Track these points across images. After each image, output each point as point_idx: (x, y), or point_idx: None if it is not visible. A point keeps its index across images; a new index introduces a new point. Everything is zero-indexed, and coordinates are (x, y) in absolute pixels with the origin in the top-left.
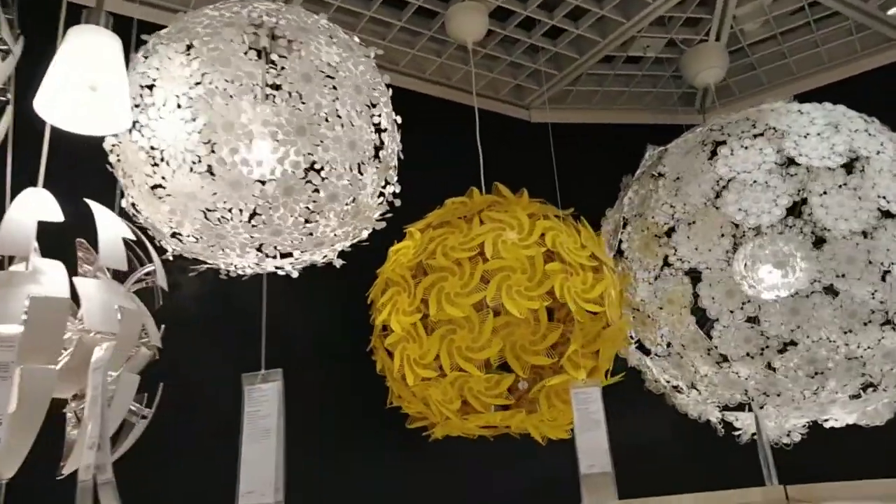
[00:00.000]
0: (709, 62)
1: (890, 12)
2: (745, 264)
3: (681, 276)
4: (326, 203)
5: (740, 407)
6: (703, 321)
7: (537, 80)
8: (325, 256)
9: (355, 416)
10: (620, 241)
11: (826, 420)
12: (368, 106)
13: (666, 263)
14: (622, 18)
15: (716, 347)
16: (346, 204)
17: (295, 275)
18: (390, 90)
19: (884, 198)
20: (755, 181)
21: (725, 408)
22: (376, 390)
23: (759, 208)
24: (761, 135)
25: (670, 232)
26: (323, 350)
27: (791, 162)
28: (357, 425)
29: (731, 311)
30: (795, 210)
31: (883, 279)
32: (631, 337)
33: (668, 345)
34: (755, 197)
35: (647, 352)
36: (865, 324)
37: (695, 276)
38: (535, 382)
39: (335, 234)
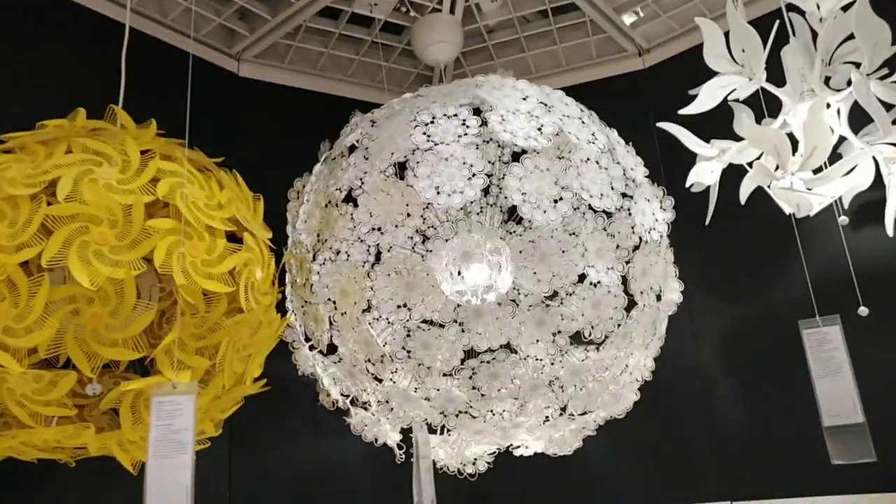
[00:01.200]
0: (440, 35)
1: (624, 17)
2: (447, 261)
3: (358, 260)
4: None
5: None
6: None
7: (250, 27)
8: None
9: None
10: (298, 217)
11: (516, 447)
12: None
13: (339, 245)
14: None
15: (388, 354)
16: None
17: None
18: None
19: (586, 190)
20: (451, 155)
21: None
22: None
23: (452, 186)
24: (471, 107)
25: (352, 206)
26: None
27: (494, 140)
28: None
29: (409, 310)
30: (489, 193)
31: (580, 280)
32: (307, 337)
33: (335, 348)
34: (449, 173)
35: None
36: (555, 335)
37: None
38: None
39: None
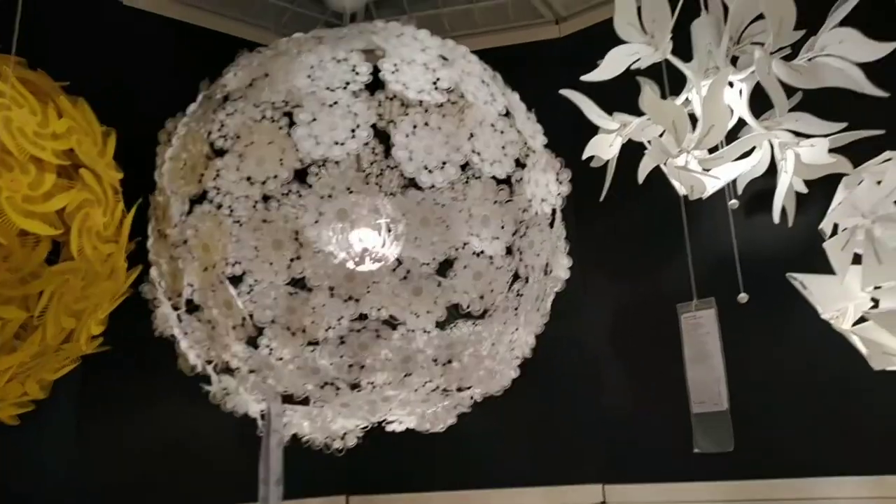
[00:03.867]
0: None
1: None
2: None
3: (219, 211)
4: None
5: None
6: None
7: None
8: None
9: None
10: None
11: (389, 422)
12: None
13: (205, 195)
14: None
15: (250, 317)
16: None
17: None
18: None
19: (478, 153)
20: (336, 102)
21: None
22: None
23: (333, 136)
24: (365, 51)
25: (221, 153)
26: None
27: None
28: None
29: (276, 271)
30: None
31: (462, 248)
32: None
33: (197, 308)
34: (332, 122)
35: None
36: (432, 305)
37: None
38: None
39: None
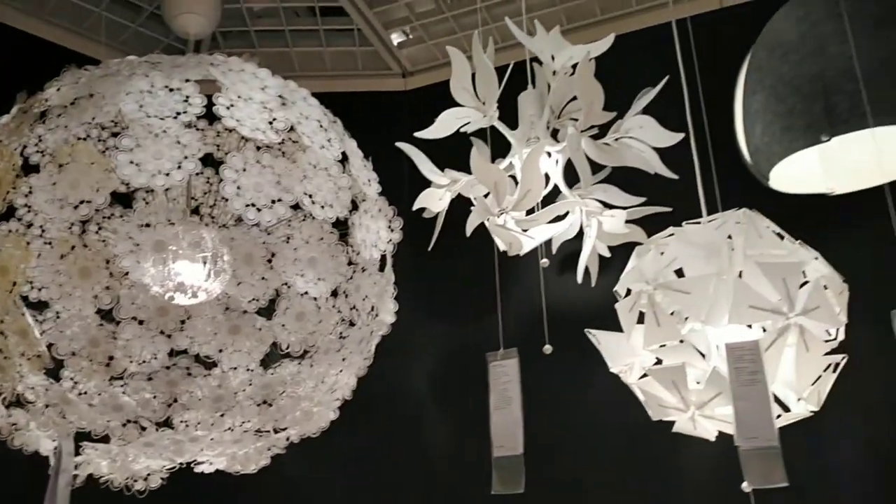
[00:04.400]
0: (191, 5)
1: (393, 35)
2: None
3: (28, 231)
4: None
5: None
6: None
7: None
8: None
9: None
10: None
11: (198, 463)
12: None
13: (11, 213)
14: None
15: (49, 347)
16: None
17: None
18: None
19: (310, 196)
20: (165, 131)
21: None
22: None
23: (157, 166)
24: (202, 82)
25: (36, 169)
26: None
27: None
28: None
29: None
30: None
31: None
32: None
33: None
34: (157, 151)
35: None
36: (251, 345)
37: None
38: None
39: None
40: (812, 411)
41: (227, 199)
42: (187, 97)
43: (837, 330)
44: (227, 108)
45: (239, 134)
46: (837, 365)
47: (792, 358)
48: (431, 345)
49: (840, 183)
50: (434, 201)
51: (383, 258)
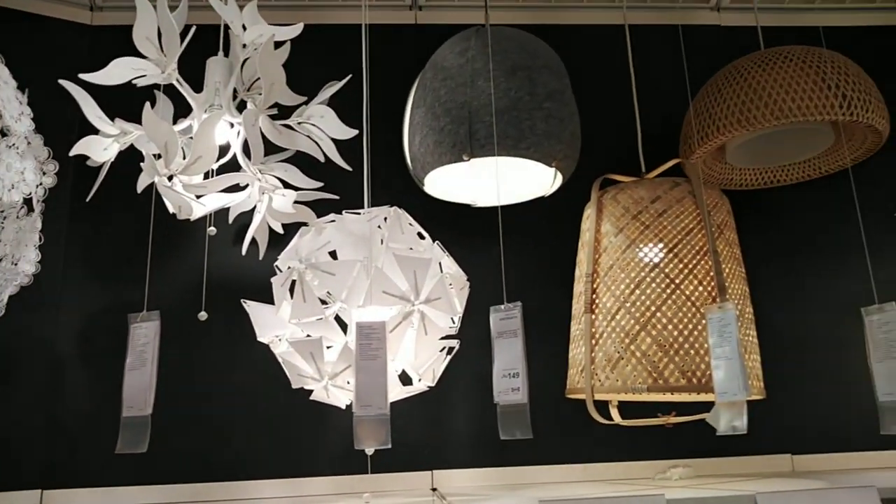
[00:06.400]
0: None
1: None
2: None
3: None
4: None
5: None
6: None
7: None
8: None
9: None
10: None
11: None
12: None
13: None
14: None
15: None
16: None
17: None
18: None
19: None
20: None
21: None
22: None
23: None
24: None
25: None
26: None
27: None
28: None
29: None
30: None
31: None
32: None
33: None
34: None
35: None
36: None
37: None
38: None
39: None
40: (429, 386)
41: None
42: None
43: (457, 319)
44: None
45: None
46: (452, 349)
47: (413, 339)
48: (81, 301)
49: (481, 198)
50: (98, 150)
51: (29, 202)
